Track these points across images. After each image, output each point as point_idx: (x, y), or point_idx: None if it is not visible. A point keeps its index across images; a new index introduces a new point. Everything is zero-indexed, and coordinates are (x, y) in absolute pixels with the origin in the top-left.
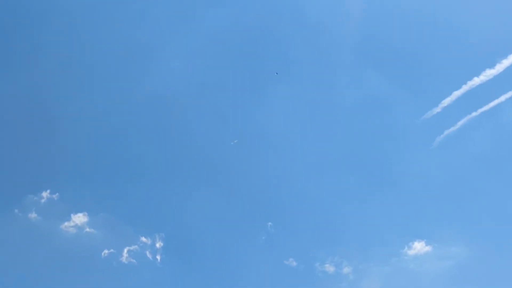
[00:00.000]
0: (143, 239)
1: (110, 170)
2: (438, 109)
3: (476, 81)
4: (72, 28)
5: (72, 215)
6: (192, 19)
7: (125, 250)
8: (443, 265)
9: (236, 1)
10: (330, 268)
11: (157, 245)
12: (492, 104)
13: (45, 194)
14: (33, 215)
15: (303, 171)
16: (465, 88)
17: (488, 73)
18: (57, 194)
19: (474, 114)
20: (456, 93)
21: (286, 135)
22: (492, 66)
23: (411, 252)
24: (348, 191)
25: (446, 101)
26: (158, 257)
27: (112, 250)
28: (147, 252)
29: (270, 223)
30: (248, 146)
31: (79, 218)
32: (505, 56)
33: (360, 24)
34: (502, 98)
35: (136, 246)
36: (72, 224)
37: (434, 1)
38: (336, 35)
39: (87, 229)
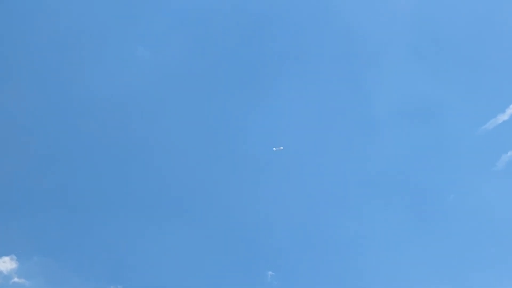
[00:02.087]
0: None
1: (48, 200)
2: (504, 116)
3: None
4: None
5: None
6: None
7: None
8: None
9: None
10: None
11: None
12: None
13: None
14: None
15: (316, 203)
16: None
17: None
18: None
19: None
20: None
21: (290, 154)
22: None
23: None
24: (377, 230)
25: None
26: None
27: None
28: None
29: (270, 273)
30: (238, 169)
31: (5, 264)
32: None
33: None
34: None
35: None
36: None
37: None
38: (373, 23)
39: (16, 279)
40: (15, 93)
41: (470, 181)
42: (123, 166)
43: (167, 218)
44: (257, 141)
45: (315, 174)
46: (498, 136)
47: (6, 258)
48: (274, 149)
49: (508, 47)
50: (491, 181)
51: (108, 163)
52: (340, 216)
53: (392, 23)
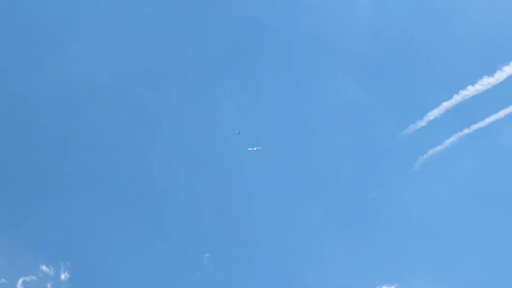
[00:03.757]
0: (44, 268)
1: (4, 184)
2: (422, 123)
3: (471, 90)
4: None
5: None
6: None
7: (20, 281)
8: None
9: None
10: None
11: (62, 276)
12: (488, 120)
13: None
14: None
15: (254, 196)
16: (457, 98)
17: (486, 82)
18: None
19: (466, 131)
20: (446, 104)
21: (234, 149)
22: (491, 73)
23: None
24: (308, 222)
25: (433, 114)
26: None
27: (3, 281)
28: (49, 285)
29: (207, 255)
30: (185, 159)
31: None
32: (507, 62)
33: (339, 29)
34: (502, 113)
35: (34, 277)
36: None
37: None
38: (310, 41)
39: None
40: None
41: (390, 180)
42: (77, 155)
43: (111, 202)
44: (201, 132)
45: (252, 170)
46: (416, 141)
47: None
48: (249, 149)
49: (427, 61)
50: (409, 180)
51: (65, 152)
52: (271, 209)
53: (326, 35)
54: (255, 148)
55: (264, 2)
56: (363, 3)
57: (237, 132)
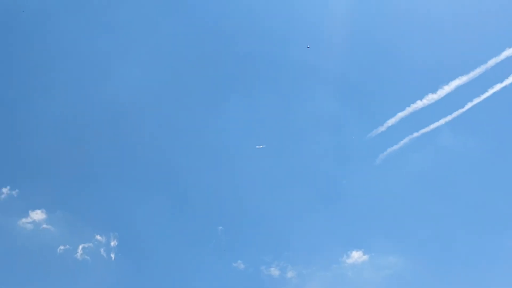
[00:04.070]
0: (98, 237)
1: (69, 170)
2: (383, 128)
3: (419, 104)
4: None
5: (30, 211)
6: (152, 27)
7: (80, 247)
8: (380, 273)
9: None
10: (275, 272)
11: (112, 243)
12: (432, 126)
13: (5, 190)
14: None
15: (255, 183)
16: (408, 110)
17: (430, 98)
18: (16, 190)
19: (415, 134)
20: (400, 114)
21: (239, 148)
22: (434, 91)
23: (349, 261)
24: (295, 202)
25: (391, 121)
26: (112, 255)
27: (67, 247)
28: (102, 250)
29: (220, 227)
30: (202, 155)
31: (37, 215)
32: (446, 82)
33: (318, 56)
34: (442, 121)
35: (90, 244)
36: (29, 220)
37: (386, 24)
38: (287, 55)
39: (44, 226)
40: (53, 95)
41: (358, 171)
42: (123, 152)
43: (149, 188)
44: (214, 135)
45: (255, 164)
46: (378, 142)
47: (38, 211)
48: (257, 147)
49: (387, 82)
50: (372, 171)
51: (114, 149)
52: (269, 193)
53: (308, 61)
54: (261, 146)
55: (260, 39)
56: (336, 38)
57: (259, 146)
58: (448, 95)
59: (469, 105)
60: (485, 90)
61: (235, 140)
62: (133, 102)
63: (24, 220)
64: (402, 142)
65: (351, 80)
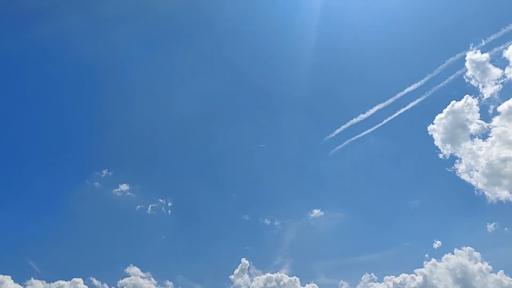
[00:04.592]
0: (161, 200)
1: (146, 158)
2: (333, 135)
3: (355, 120)
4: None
5: (119, 184)
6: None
7: (150, 207)
8: (331, 224)
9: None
10: (267, 222)
11: (169, 204)
12: (362, 133)
13: (104, 171)
14: (96, 184)
15: (258, 169)
16: (348, 123)
17: (362, 116)
18: (111, 172)
19: (352, 138)
20: (343, 126)
21: (248, 149)
22: (364, 112)
23: (312, 215)
24: (282, 179)
25: (338, 130)
26: (169, 212)
27: (142, 206)
28: (162, 208)
29: (235, 195)
30: (232, 153)
31: (124, 187)
32: (371, 107)
33: (287, 84)
34: (369, 131)
35: (156, 204)
36: (119, 190)
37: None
38: (277, 90)
39: (128, 193)
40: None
41: (319, 160)
42: (188, 147)
43: (196, 174)
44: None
45: (257, 159)
46: (330, 143)
47: (125, 185)
48: (260, 146)
49: (344, 100)
50: (327, 160)
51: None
52: (265, 177)
53: (283, 88)
54: (263, 145)
55: (255, 70)
56: (302, 68)
57: (261, 145)
58: (372, 115)
59: (385, 121)
60: (395, 112)
61: (246, 144)
62: (194, 114)
63: (116, 190)
64: (344, 143)
65: (313, 105)
